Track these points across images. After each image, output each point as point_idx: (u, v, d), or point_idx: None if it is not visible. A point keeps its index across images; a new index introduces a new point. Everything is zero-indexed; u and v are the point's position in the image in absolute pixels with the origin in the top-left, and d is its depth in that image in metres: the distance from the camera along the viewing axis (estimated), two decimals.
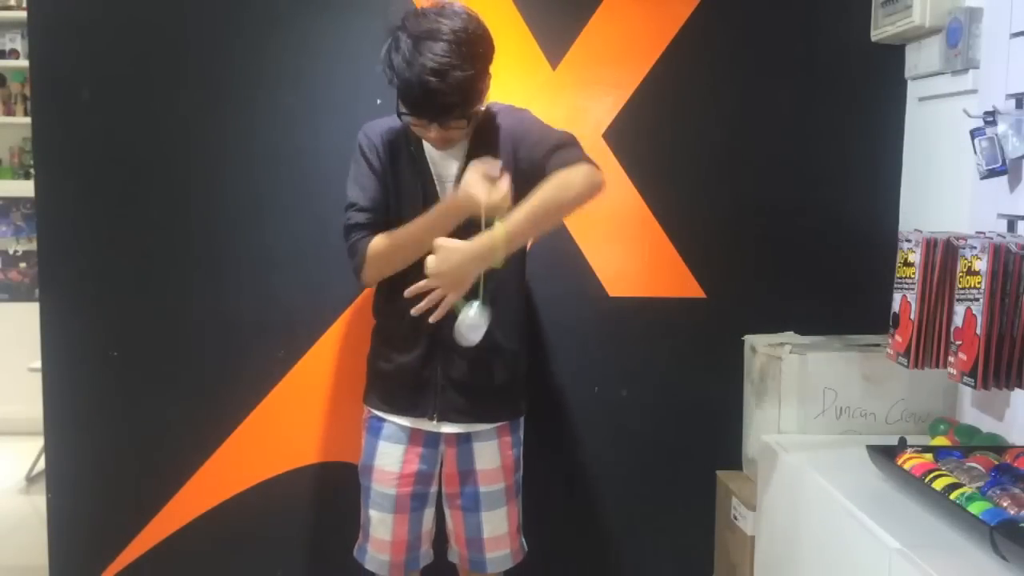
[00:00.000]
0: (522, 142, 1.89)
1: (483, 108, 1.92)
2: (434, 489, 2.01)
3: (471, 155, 1.89)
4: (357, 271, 1.88)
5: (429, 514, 2.02)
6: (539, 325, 2.39)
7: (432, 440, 1.97)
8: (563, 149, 1.83)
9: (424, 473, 1.98)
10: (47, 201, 2.35)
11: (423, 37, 1.70)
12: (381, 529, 1.98)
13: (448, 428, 1.96)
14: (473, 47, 1.73)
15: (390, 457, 1.96)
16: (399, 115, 1.79)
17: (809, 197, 2.43)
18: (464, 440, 1.97)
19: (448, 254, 1.72)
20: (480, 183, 1.71)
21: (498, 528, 2.00)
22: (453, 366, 1.92)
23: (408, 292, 1.76)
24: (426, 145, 1.90)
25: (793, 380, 2.13)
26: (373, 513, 1.98)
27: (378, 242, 1.84)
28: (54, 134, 2.33)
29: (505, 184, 1.72)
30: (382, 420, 1.98)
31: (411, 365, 1.92)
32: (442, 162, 1.91)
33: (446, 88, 1.69)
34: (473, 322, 1.77)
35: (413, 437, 1.96)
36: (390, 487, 1.96)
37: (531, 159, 1.85)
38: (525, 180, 1.80)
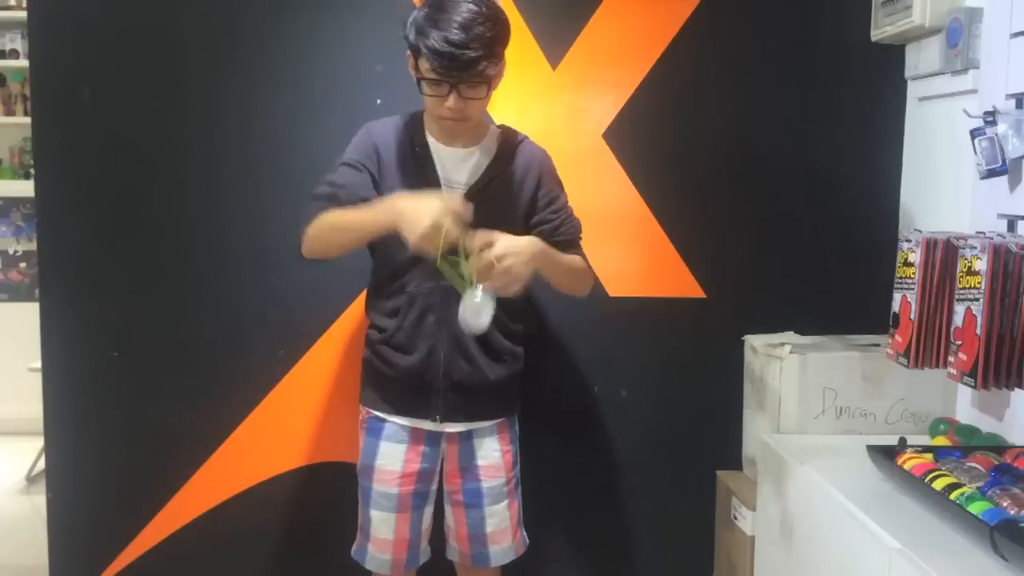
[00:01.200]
0: (544, 187, 1.96)
1: (502, 127, 1.99)
2: (434, 487, 2.01)
3: (492, 165, 1.92)
4: (299, 239, 1.86)
5: (429, 512, 2.02)
6: (539, 325, 2.39)
7: (433, 439, 1.97)
8: (577, 248, 1.98)
9: (426, 472, 1.98)
10: (47, 201, 2.36)
11: (448, 1, 1.75)
12: (383, 529, 1.97)
13: (451, 428, 1.96)
14: (494, 13, 1.79)
15: (392, 457, 1.96)
16: (419, 82, 1.79)
17: (809, 197, 2.43)
18: (465, 437, 1.98)
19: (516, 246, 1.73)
20: (430, 215, 1.64)
21: (501, 522, 2.01)
22: (455, 367, 1.92)
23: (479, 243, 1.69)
24: (434, 148, 1.90)
25: (793, 380, 2.13)
26: (375, 513, 1.98)
27: (323, 217, 1.82)
28: (54, 134, 2.33)
29: (451, 228, 1.66)
30: (382, 421, 1.97)
31: (413, 368, 1.92)
32: (452, 166, 1.90)
33: (470, 40, 1.72)
34: (480, 305, 1.72)
35: (414, 436, 1.96)
36: (392, 487, 1.96)
37: (543, 221, 1.95)
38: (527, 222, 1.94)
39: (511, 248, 1.71)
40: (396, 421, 1.96)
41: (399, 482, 1.96)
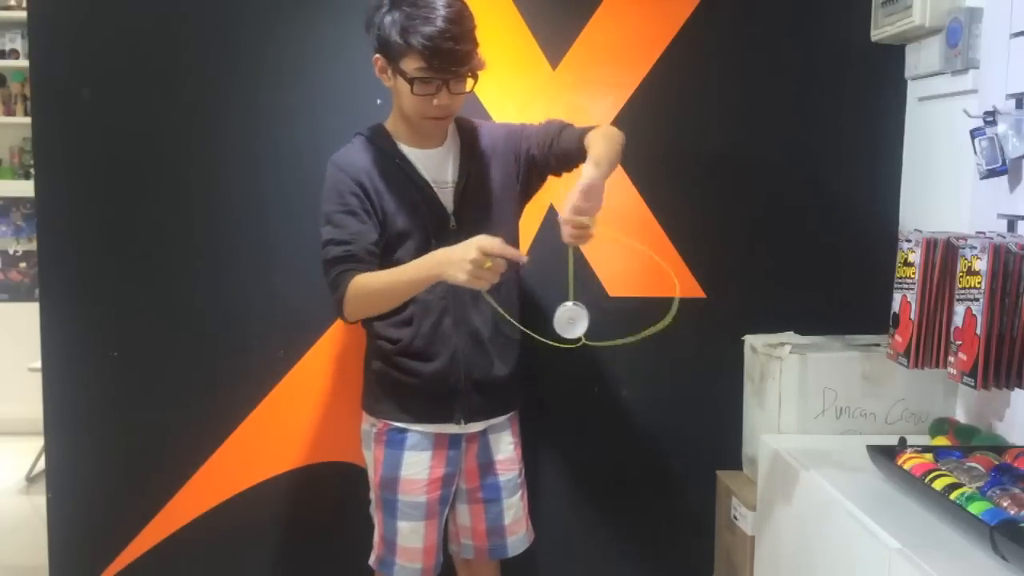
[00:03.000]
0: (520, 134, 1.98)
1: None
2: (454, 488, 2.01)
3: (464, 155, 1.93)
4: (339, 306, 1.82)
5: (446, 513, 2.02)
6: (539, 325, 2.38)
7: (456, 441, 1.97)
8: (571, 126, 1.96)
9: (450, 475, 1.98)
10: (47, 201, 2.35)
11: None
12: (413, 538, 1.95)
13: (473, 428, 1.97)
14: (464, 3, 1.80)
15: (418, 466, 1.94)
16: (410, 81, 1.75)
17: (809, 197, 2.43)
18: (483, 434, 1.99)
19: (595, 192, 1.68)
20: (468, 263, 1.65)
21: (517, 513, 2.04)
22: (475, 367, 1.92)
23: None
24: (410, 155, 1.89)
25: (793, 380, 2.13)
26: (403, 524, 1.95)
27: (360, 281, 1.79)
28: (54, 134, 2.33)
29: (494, 272, 1.66)
30: (404, 431, 1.94)
31: (437, 374, 1.90)
32: (433, 167, 1.91)
33: (462, 33, 1.73)
34: (573, 314, 1.75)
35: (438, 442, 1.95)
36: (420, 495, 1.94)
37: (540, 142, 1.95)
38: (533, 165, 1.97)
39: (584, 200, 1.67)
40: (419, 429, 1.94)
41: (426, 489, 1.94)
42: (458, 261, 1.65)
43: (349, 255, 1.81)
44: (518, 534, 2.05)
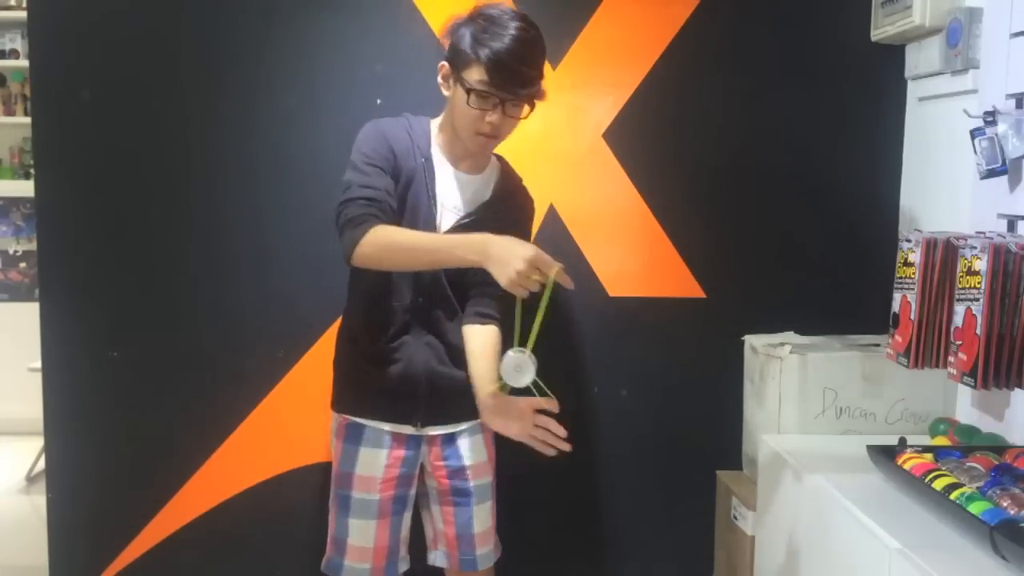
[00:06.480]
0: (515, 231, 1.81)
1: (501, 161, 1.97)
2: (413, 492, 1.98)
3: (491, 203, 1.90)
4: (352, 245, 1.74)
5: (407, 518, 1.98)
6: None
7: (414, 442, 1.95)
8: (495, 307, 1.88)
9: (406, 476, 1.95)
10: (47, 201, 2.36)
11: (505, 16, 1.74)
12: (362, 537, 1.93)
13: (432, 431, 1.95)
14: (541, 35, 1.78)
15: (373, 463, 1.92)
16: (468, 92, 1.73)
17: (809, 197, 2.43)
18: (448, 438, 1.96)
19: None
20: (523, 262, 1.58)
21: (484, 523, 2.00)
22: (436, 376, 1.90)
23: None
24: (437, 165, 1.87)
25: (793, 380, 2.13)
26: (353, 521, 1.93)
27: (384, 230, 1.73)
28: (54, 134, 2.33)
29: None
30: (361, 426, 1.94)
31: (393, 378, 1.89)
32: (450, 187, 1.87)
33: (532, 57, 1.73)
34: (523, 363, 1.71)
35: (395, 440, 1.93)
36: (373, 493, 1.92)
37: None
38: None
39: None
40: (375, 426, 1.93)
41: (380, 487, 1.92)
42: (510, 259, 1.58)
43: (377, 200, 1.76)
44: (486, 547, 2.00)
